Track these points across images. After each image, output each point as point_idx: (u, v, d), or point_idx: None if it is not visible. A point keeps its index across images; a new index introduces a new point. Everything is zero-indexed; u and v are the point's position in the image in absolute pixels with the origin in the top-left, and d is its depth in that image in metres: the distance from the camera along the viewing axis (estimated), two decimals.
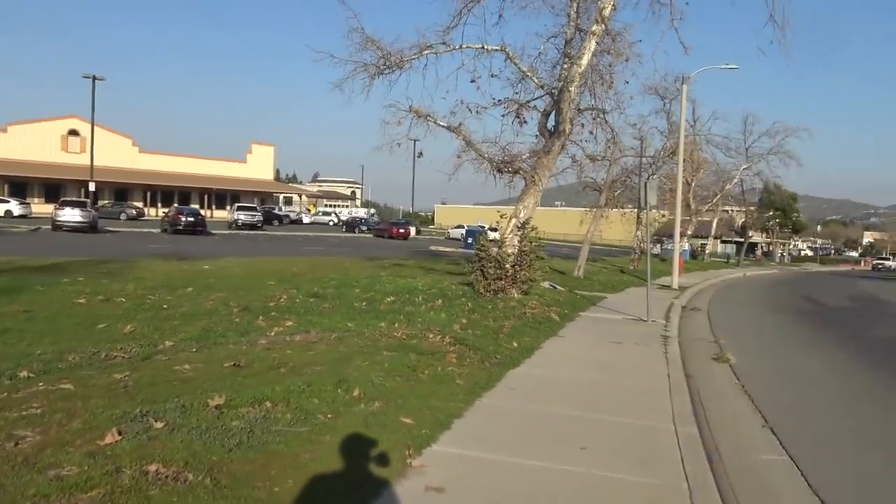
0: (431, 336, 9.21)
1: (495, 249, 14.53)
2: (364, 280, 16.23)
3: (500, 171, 15.65)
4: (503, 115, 16.22)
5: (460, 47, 15.15)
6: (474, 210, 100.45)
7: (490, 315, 11.65)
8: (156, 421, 4.85)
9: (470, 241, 40.34)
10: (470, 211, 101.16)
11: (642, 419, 6.32)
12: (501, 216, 15.14)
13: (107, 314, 9.68)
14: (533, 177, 15.14)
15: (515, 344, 9.42)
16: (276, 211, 74.45)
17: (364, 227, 63.48)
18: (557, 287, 17.53)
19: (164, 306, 10.70)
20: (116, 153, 66.76)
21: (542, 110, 16.17)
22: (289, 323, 9.67)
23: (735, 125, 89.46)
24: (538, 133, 16.21)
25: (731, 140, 46.89)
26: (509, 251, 14.43)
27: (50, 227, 36.37)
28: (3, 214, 49.47)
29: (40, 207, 53.83)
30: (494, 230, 16.09)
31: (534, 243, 14.65)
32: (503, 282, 14.03)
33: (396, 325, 10.07)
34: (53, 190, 58.91)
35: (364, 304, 12.13)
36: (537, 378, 7.78)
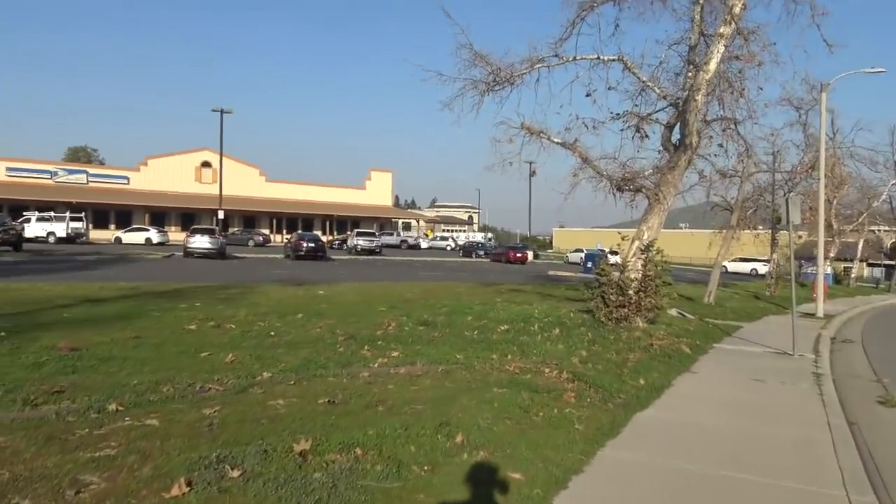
0: (547, 371, 8.36)
1: (617, 274, 13.48)
2: (477, 307, 15.55)
3: (620, 189, 14.60)
4: (622, 130, 15.20)
5: (574, 59, 14.33)
6: (593, 233, 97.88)
7: (612, 347, 10.63)
8: (232, 468, 4.32)
9: (590, 265, 38.93)
10: (589, 234, 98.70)
11: (803, 482, 5.20)
12: (623, 238, 14.07)
13: (213, 342, 9.48)
14: (657, 195, 14.00)
15: (642, 381, 8.40)
16: (395, 237, 75.53)
17: (481, 252, 63.10)
18: (686, 315, 16.15)
19: (271, 333, 10.44)
20: (245, 182, 70.10)
21: (665, 123, 15.00)
22: (394, 353, 9.10)
23: (881, 136, 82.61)
24: (661, 147, 15.05)
25: (878, 153, 42.86)
26: (632, 276, 13.33)
27: (182, 253, 38.26)
28: (143, 242, 52.89)
29: (176, 235, 57.03)
30: (615, 254, 15.00)
31: (659, 267, 13.48)
32: (626, 309, 12.94)
33: (509, 356, 9.28)
34: (188, 218, 62.33)
35: (476, 332, 11.42)
36: (669, 423, 6.75)
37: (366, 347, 9.46)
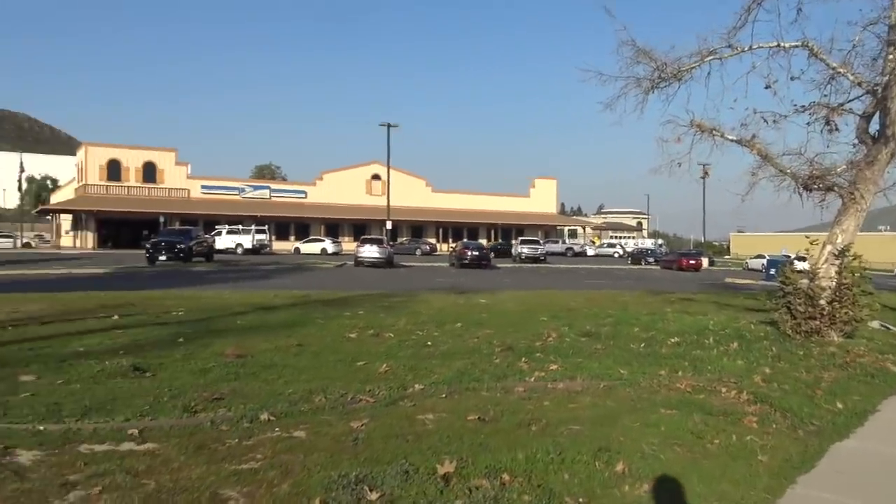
0: (724, 390, 7.48)
1: (805, 282, 12.06)
2: (645, 317, 14.62)
3: (807, 188, 13.07)
4: (808, 123, 13.61)
5: (750, 48, 13.03)
6: (776, 238, 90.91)
7: (801, 364, 9.42)
8: (370, 490, 4.07)
9: (772, 272, 35.93)
10: (771, 239, 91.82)
11: None
12: (812, 242, 12.57)
13: (370, 350, 9.47)
14: (853, 194, 12.38)
15: (840, 405, 7.27)
16: (560, 244, 74.46)
17: (651, 259, 60.57)
18: (891, 328, 14.19)
19: (428, 343, 10.29)
20: (412, 193, 72.25)
21: (860, 113, 13.26)
22: (553, 367, 8.59)
23: None
24: (857, 140, 13.33)
25: None
26: (824, 284, 11.86)
27: (353, 262, 39.93)
28: (319, 252, 55.98)
29: (349, 245, 59.81)
30: (803, 259, 13.46)
31: (857, 274, 11.90)
32: (817, 322, 11.51)
33: (680, 373, 8.45)
34: (360, 229, 65.20)
35: (643, 345, 10.61)
36: (877, 457, 5.72)
37: (523, 359, 9.02)
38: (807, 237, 13.10)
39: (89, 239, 60.78)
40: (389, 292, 20.44)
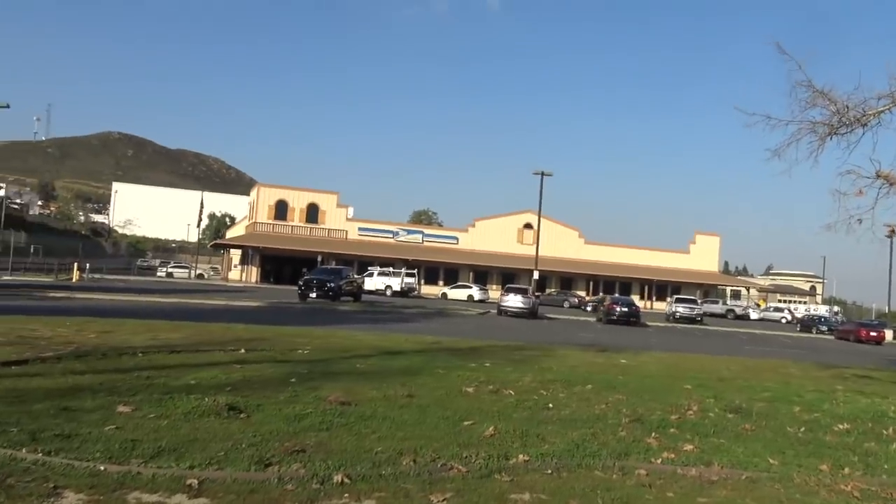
0: None
1: None
2: (810, 394, 12.74)
3: None
4: None
5: None
6: None
7: None
8: None
9: None
10: None
11: None
12: None
13: (483, 408, 8.70)
14: None
15: None
16: (720, 305, 69.88)
17: (824, 328, 55.06)
18: None
19: (549, 405, 9.35)
20: (564, 244, 71.00)
21: None
22: (688, 447, 7.38)
23: None
24: None
25: None
26: None
27: (496, 311, 39.33)
28: (465, 298, 56.00)
29: (496, 293, 59.37)
30: None
31: None
32: None
33: (846, 470, 6.96)
34: (508, 278, 64.69)
35: (802, 429, 9.04)
36: None
37: (653, 434, 7.86)
38: None
39: (254, 273, 64.75)
40: (525, 345, 19.54)
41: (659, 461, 6.71)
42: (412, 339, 17.83)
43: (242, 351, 12.40)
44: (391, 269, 58.37)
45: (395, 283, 55.70)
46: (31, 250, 65.05)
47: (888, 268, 58.20)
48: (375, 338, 17.41)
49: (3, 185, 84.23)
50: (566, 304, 61.00)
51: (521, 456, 6.38)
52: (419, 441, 6.65)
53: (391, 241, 69.37)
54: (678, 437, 7.84)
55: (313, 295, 36.18)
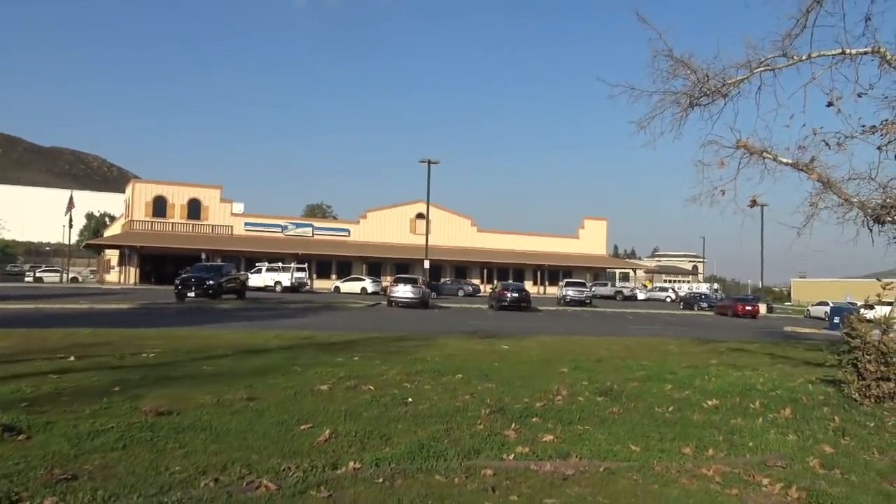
0: (766, 482, 5.53)
1: (877, 333, 9.94)
2: (683, 371, 12.57)
3: (878, 220, 10.98)
4: (880, 148, 11.58)
5: (809, 57, 11.16)
6: (842, 283, 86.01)
7: (873, 441, 7.35)
8: None
9: (836, 320, 33.01)
10: (836, 285, 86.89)
11: None
12: (885, 287, 10.45)
13: (329, 409, 7.78)
14: None
15: None
16: (609, 287, 71.78)
17: (704, 304, 57.46)
18: None
19: (407, 400, 8.54)
20: (457, 233, 70.91)
21: None
22: (547, 437, 6.75)
23: None
24: None
25: None
26: None
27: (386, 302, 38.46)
28: (359, 291, 54.81)
29: None
30: (871, 307, 11.28)
31: None
32: (892, 384, 9.37)
33: (710, 451, 6.51)
34: (402, 268, 63.95)
35: (670, 409, 8.65)
36: None
37: (513, 426, 7.19)
38: (879, 281, 10.95)
39: (132, 274, 60.97)
40: (405, 335, 18.75)
41: (511, 457, 6.02)
42: (283, 336, 16.66)
43: (71, 358, 10.92)
44: (280, 265, 56.32)
45: (285, 279, 53.77)
46: None
47: (759, 245, 61.26)
48: (241, 336, 16.14)
49: None
50: (461, 293, 60.84)
51: (351, 464, 5.52)
52: (235, 454, 5.67)
53: (280, 235, 67.00)
54: (539, 428, 7.20)
55: (191, 294, 34.09)
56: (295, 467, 5.32)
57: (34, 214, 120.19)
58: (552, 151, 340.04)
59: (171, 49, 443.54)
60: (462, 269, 72.13)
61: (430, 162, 47.94)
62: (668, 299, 71.04)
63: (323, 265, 65.95)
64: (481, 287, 67.02)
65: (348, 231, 70.38)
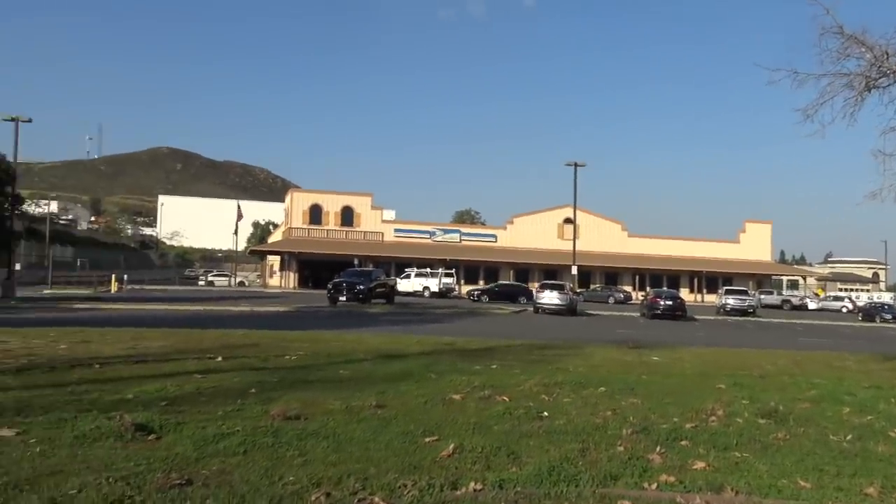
0: None
1: None
2: (864, 392, 11.04)
3: None
4: None
5: None
6: None
7: None
8: None
9: None
10: None
11: None
12: None
13: (458, 420, 7.38)
14: None
15: None
16: (776, 296, 66.79)
17: (888, 316, 51.80)
18: None
19: (543, 414, 7.96)
20: (607, 238, 68.96)
21: None
22: (698, 465, 5.95)
23: None
24: None
25: None
26: None
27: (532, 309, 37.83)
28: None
29: None
30: None
31: None
32: None
33: None
34: (550, 274, 62.79)
35: (849, 437, 7.46)
36: None
37: (658, 449, 6.43)
38: None
39: (291, 279, 64.40)
40: (550, 343, 18.08)
41: (655, 486, 5.30)
42: (424, 341, 16.57)
43: (219, 359, 11.32)
44: (429, 270, 57.24)
45: (433, 284, 54.58)
46: (78, 264, 65.86)
47: None
48: (383, 340, 16.22)
49: (49, 202, 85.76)
50: (611, 300, 58.95)
51: (472, 484, 5.05)
52: (354, 465, 5.39)
53: (429, 241, 68.24)
54: (688, 452, 6.39)
55: (343, 298, 35.28)
56: (412, 485, 4.94)
57: (208, 223, 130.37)
58: (708, 151, 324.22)
59: (320, 60, 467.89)
60: (612, 276, 69.93)
61: (576, 165, 46.80)
62: (844, 310, 64.92)
63: (470, 271, 66.34)
64: (633, 294, 64.58)
65: (495, 237, 70.41)
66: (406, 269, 57.90)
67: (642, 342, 20.16)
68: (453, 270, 59.78)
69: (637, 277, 70.19)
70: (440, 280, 54.83)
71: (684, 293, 62.22)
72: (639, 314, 40.67)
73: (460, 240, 69.44)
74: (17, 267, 45.26)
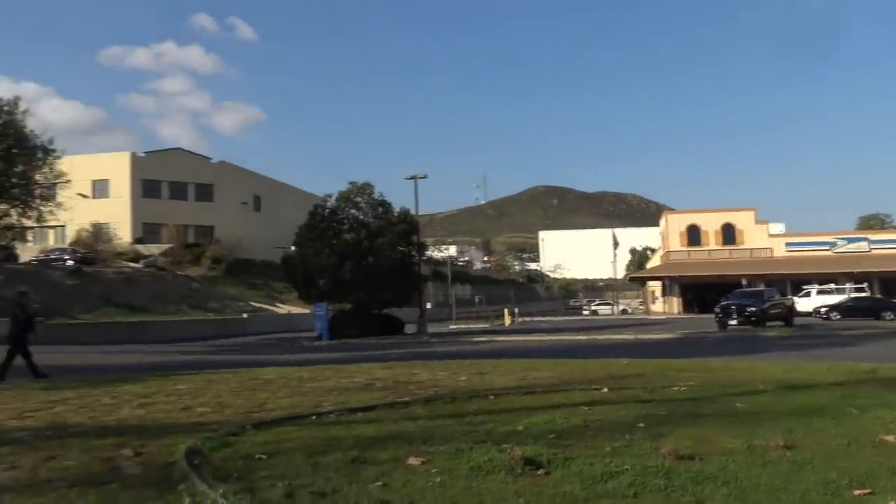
0: None
1: None
2: None
3: None
4: None
5: None
6: None
7: None
8: None
9: None
10: None
11: None
12: None
13: (891, 468, 5.95)
14: None
15: None
16: None
17: None
18: None
19: None
20: None
21: None
22: None
23: None
24: None
25: None
26: None
27: None
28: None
29: None
30: None
31: None
32: None
33: None
34: None
35: None
36: None
37: None
38: None
39: (675, 304, 62.42)
40: None
41: None
42: (835, 369, 14.29)
43: (605, 390, 11.11)
44: (833, 286, 50.55)
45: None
46: (476, 300, 72.99)
47: None
48: (783, 368, 14.42)
49: (448, 247, 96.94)
50: None
51: None
52: None
53: (829, 253, 60.44)
54: None
55: (733, 322, 33.01)
56: None
57: (587, 254, 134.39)
58: None
59: (678, 81, 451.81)
60: None
61: None
62: None
63: (887, 284, 56.82)
64: None
65: None
66: (804, 287, 51.94)
67: None
68: (865, 285, 51.87)
69: None
70: (848, 297, 47.96)
71: None
72: None
73: (869, 249, 60.18)
74: (428, 306, 51.64)
